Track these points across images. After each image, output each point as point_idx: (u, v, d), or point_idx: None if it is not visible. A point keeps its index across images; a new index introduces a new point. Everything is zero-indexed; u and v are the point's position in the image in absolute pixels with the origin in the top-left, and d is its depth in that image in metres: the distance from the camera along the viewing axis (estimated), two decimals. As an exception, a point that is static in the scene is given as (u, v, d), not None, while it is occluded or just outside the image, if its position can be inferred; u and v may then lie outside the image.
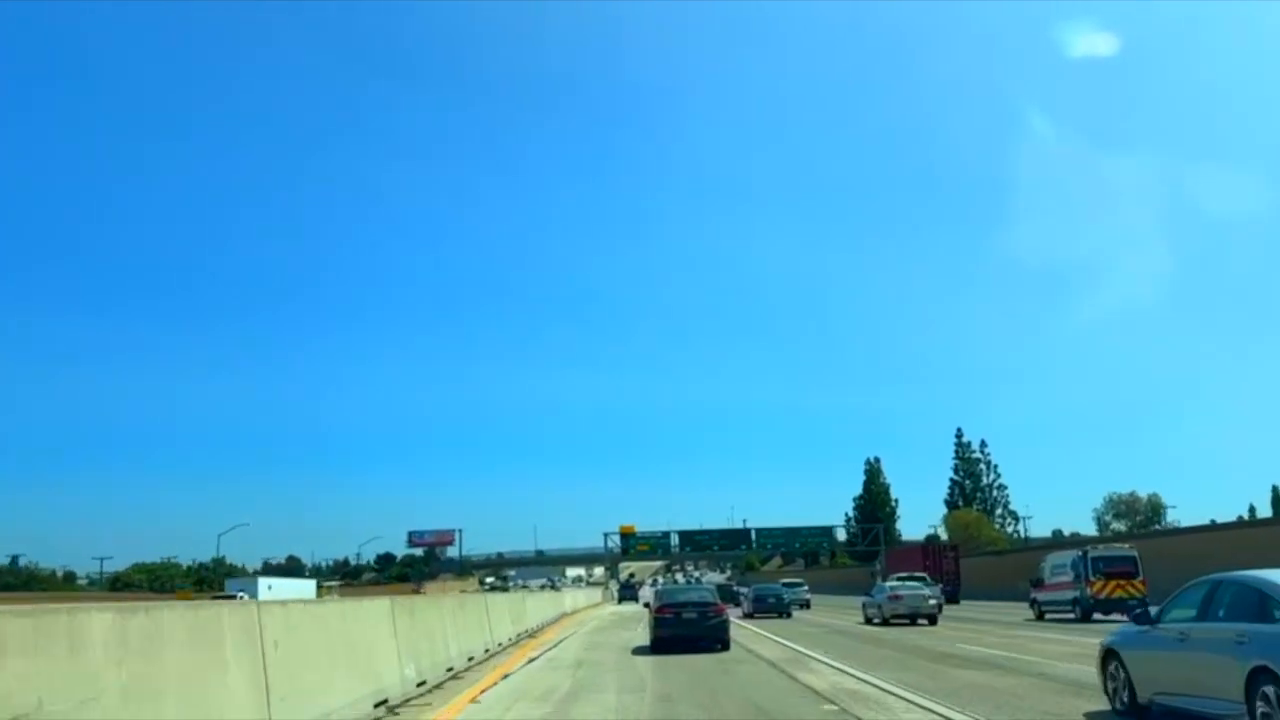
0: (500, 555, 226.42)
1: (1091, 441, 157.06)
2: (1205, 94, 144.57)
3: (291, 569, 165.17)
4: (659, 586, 30.94)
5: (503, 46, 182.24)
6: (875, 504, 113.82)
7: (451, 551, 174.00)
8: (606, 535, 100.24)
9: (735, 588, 52.56)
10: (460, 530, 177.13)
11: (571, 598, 54.69)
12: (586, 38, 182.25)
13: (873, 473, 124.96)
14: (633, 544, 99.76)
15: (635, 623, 32.60)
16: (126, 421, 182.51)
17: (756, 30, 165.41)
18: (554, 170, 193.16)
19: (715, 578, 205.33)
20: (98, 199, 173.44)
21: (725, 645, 19.30)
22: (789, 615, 37.19)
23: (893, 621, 28.23)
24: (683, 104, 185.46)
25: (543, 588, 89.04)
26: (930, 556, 48.98)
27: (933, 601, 28.82)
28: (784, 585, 43.04)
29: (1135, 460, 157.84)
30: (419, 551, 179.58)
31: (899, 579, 35.90)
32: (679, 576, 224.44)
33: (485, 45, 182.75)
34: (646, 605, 25.58)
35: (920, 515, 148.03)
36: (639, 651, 19.96)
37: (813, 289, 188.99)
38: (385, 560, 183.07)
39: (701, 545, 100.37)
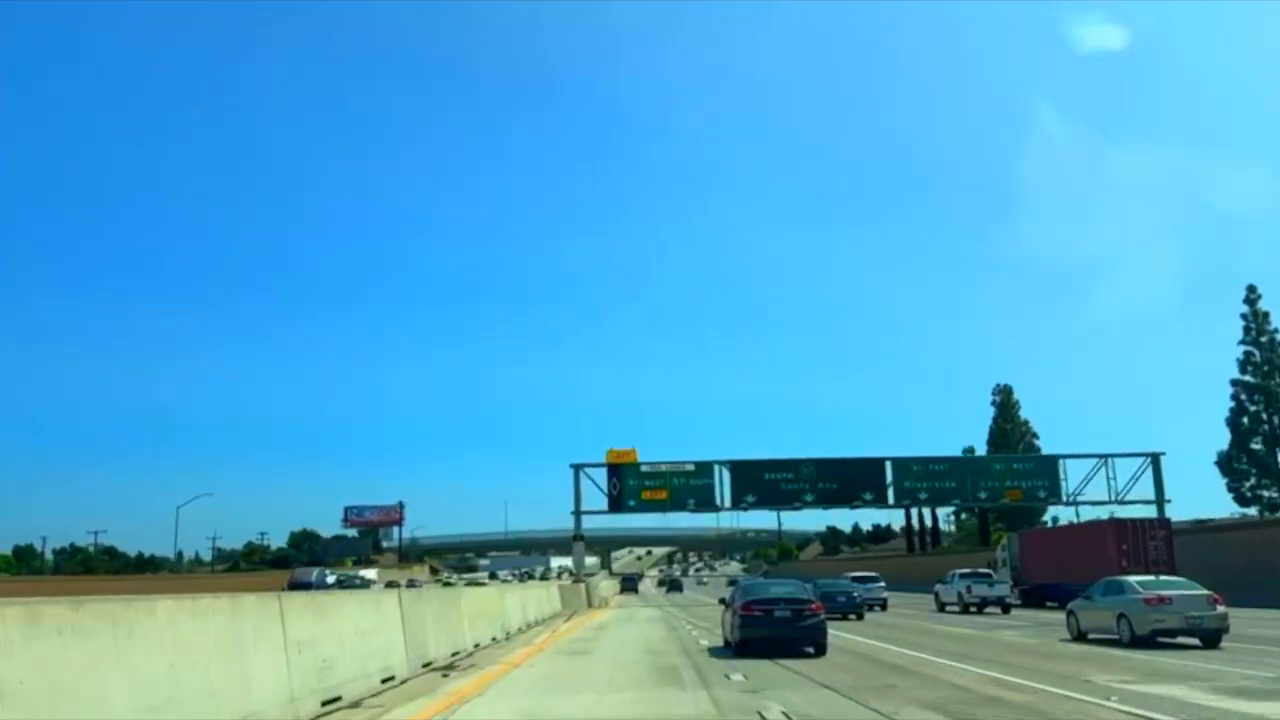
0: (485, 539, 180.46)
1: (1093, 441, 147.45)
2: (1216, 89, 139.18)
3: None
4: (743, 581, 25.72)
5: (497, 38, 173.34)
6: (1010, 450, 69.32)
7: (415, 534, 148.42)
8: (579, 471, 47.57)
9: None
10: (402, 505, 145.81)
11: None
12: (589, 30, 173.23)
13: (1004, 406, 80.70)
14: (633, 489, 47.17)
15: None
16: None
17: (765, 25, 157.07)
18: (545, 161, 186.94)
19: (734, 569, 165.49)
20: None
21: (821, 649, 16.48)
22: (861, 617, 29.18)
23: (1157, 640, 17.67)
24: (692, 101, 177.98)
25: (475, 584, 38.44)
26: (1127, 538, 31.27)
27: (1221, 609, 17.79)
28: (853, 580, 34.99)
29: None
30: (353, 533, 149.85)
31: (963, 575, 33.58)
32: (690, 570, 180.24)
33: (478, 36, 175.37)
34: (722, 601, 21.45)
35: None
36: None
37: (819, 283, 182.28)
38: (303, 540, 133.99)
39: (782, 492, 47.54)
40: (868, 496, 47.49)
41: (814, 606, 16.94)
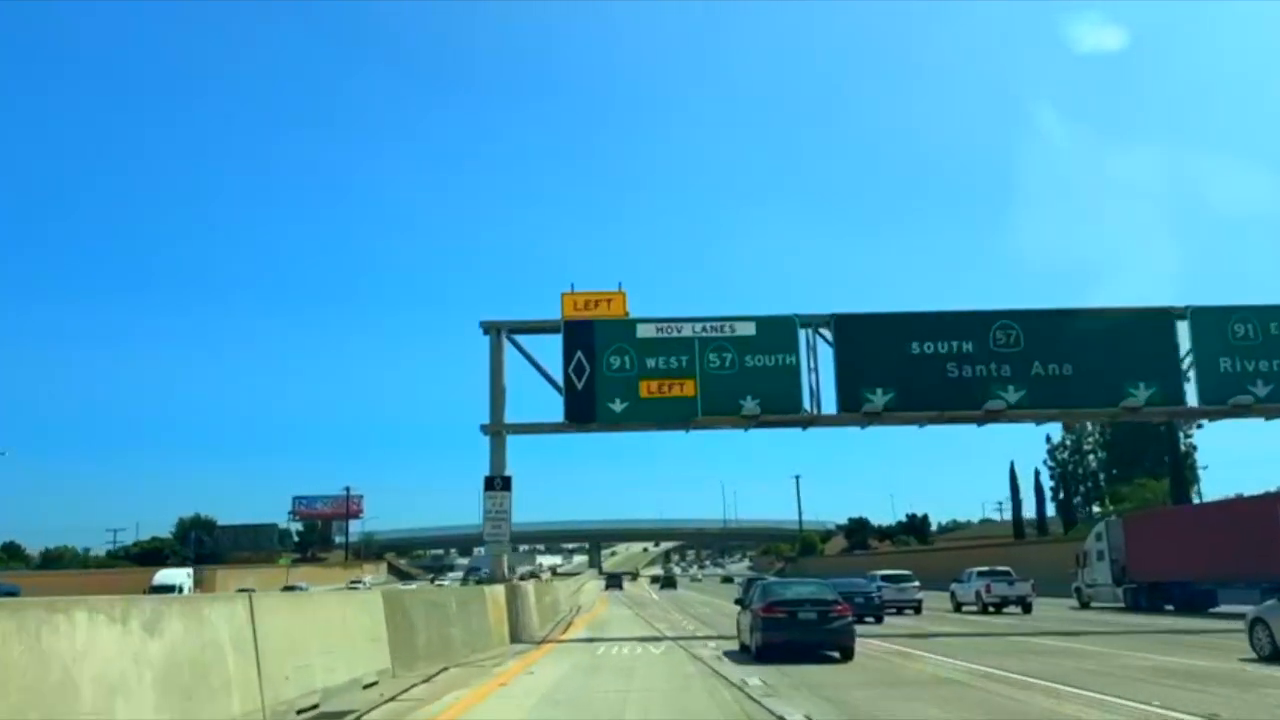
0: (456, 533, 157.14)
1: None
2: (1214, 89, 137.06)
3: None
4: (764, 582, 20.08)
5: (492, 32, 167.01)
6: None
7: (368, 527, 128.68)
8: (500, 336, 21.39)
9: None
10: (362, 496, 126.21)
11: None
12: (585, 22, 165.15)
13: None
14: (621, 375, 20.83)
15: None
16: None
17: (762, 24, 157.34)
18: (541, 158, 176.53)
19: (738, 568, 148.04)
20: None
21: (848, 654, 15.33)
22: (880, 620, 26.06)
23: None
24: (684, 99, 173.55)
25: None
26: None
27: None
28: (883, 579, 31.01)
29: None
30: (299, 525, 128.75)
31: (981, 573, 31.77)
32: (691, 567, 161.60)
33: (470, 29, 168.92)
34: (739, 603, 19.57)
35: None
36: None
37: (816, 283, 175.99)
38: (193, 527, 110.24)
39: (949, 384, 21.00)
40: (1139, 390, 21.27)
41: (841, 608, 15.82)
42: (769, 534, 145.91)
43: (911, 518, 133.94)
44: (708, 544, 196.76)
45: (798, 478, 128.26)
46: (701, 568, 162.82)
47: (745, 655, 16.02)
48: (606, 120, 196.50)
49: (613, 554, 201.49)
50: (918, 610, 30.94)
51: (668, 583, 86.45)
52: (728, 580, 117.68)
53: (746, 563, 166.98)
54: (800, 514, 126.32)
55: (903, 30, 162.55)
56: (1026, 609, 29.98)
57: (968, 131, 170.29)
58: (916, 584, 32.23)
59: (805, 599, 16.01)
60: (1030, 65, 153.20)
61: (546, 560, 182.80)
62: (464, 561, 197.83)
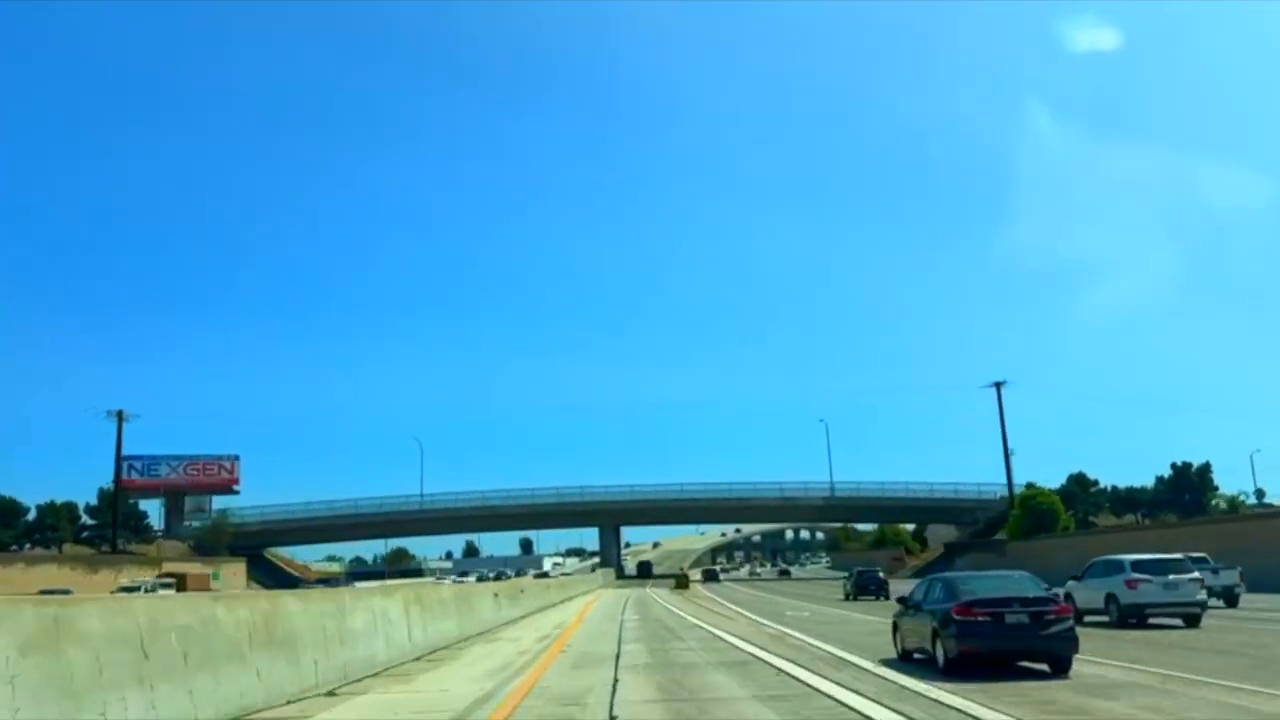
0: (389, 510, 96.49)
1: (1090, 441, 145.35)
2: (1210, 88, 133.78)
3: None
4: (947, 576, 16.10)
5: (498, 31, 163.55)
6: None
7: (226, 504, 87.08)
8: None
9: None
10: (237, 458, 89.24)
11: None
12: (593, 20, 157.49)
13: None
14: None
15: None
16: None
17: (757, 22, 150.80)
18: (544, 155, 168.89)
19: (817, 569, 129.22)
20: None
21: (1064, 666, 12.43)
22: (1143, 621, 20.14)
23: None
24: (682, 95, 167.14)
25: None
26: None
27: None
28: (1136, 568, 21.44)
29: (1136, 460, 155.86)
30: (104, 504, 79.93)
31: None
32: (757, 567, 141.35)
33: (479, 30, 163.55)
34: (901, 600, 16.41)
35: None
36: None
37: (811, 282, 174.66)
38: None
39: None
40: None
41: (1060, 608, 13.09)
42: (914, 506, 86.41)
43: (1180, 470, 78.54)
44: (811, 519, 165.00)
45: (998, 385, 68.57)
46: (774, 566, 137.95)
47: (927, 670, 13.16)
48: (612, 117, 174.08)
49: (654, 544, 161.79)
50: (1193, 621, 20.04)
51: (709, 576, 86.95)
52: (785, 574, 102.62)
53: (825, 560, 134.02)
54: (1008, 456, 70.71)
55: (897, 28, 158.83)
56: (1231, 602, 25.70)
57: (962, 130, 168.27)
58: (1197, 576, 21.27)
59: (1012, 597, 13.20)
60: (1025, 64, 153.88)
61: (550, 563, 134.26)
62: (444, 564, 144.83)
